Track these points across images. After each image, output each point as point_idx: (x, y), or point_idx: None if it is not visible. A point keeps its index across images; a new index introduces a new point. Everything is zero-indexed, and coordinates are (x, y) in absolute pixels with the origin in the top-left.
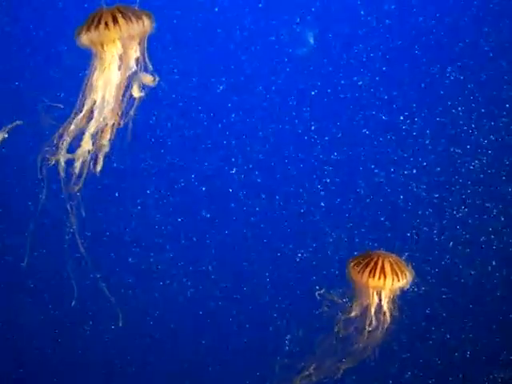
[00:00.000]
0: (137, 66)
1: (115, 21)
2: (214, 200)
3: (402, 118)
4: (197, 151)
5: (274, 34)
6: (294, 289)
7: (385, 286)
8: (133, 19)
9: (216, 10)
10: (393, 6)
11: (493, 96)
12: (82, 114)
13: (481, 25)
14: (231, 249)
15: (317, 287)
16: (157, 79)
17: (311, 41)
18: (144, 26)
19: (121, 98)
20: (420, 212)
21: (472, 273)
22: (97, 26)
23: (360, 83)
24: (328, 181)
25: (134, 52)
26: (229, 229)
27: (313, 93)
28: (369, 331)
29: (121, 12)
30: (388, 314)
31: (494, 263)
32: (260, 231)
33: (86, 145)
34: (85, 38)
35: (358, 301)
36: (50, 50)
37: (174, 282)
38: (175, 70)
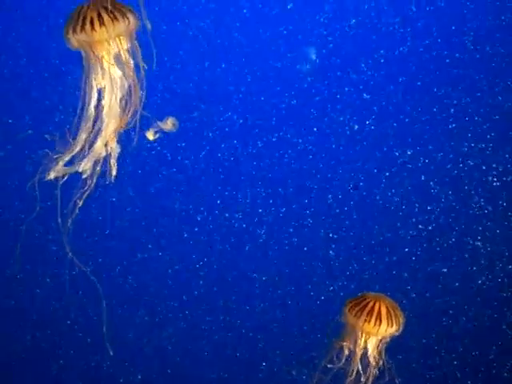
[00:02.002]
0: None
1: (101, 19)
2: (215, 235)
3: (410, 152)
4: (196, 176)
5: (276, 51)
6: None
7: (379, 332)
8: (118, 16)
9: (218, 27)
10: (396, 23)
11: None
12: (87, 122)
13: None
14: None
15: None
16: (177, 124)
17: (313, 57)
18: (131, 22)
19: (124, 96)
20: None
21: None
22: (82, 27)
23: (363, 97)
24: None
25: (126, 48)
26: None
27: (314, 112)
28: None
29: (105, 8)
30: (376, 359)
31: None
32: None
33: (100, 150)
34: (73, 40)
35: (347, 342)
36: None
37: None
38: (175, 86)
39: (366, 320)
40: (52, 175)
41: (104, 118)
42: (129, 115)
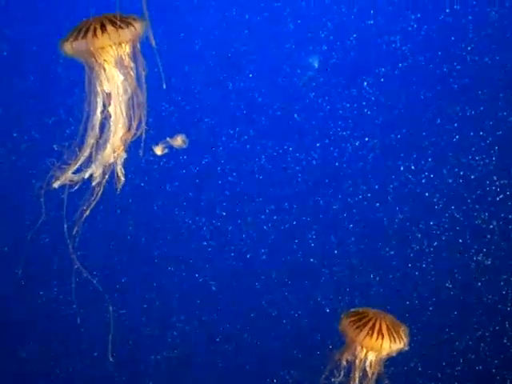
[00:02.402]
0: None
1: (103, 28)
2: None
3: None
4: (201, 191)
5: (279, 67)
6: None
7: (381, 347)
8: (122, 25)
9: (221, 37)
10: (397, 39)
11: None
12: (93, 129)
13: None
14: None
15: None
16: (187, 141)
17: (316, 65)
18: (135, 30)
19: (129, 103)
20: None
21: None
22: (85, 35)
23: (366, 110)
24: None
25: (128, 58)
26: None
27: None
28: None
29: (109, 19)
30: (376, 371)
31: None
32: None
33: (109, 156)
34: (72, 47)
35: (345, 355)
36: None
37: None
38: (179, 99)
39: (367, 334)
40: (59, 183)
41: (111, 125)
42: (135, 124)
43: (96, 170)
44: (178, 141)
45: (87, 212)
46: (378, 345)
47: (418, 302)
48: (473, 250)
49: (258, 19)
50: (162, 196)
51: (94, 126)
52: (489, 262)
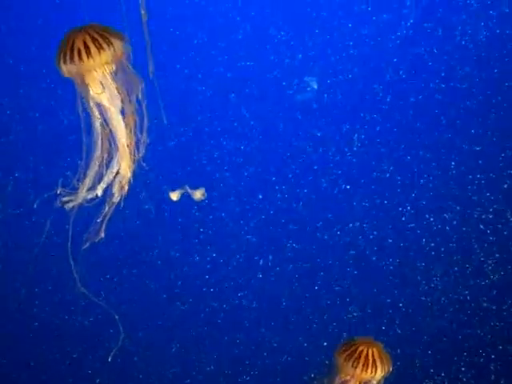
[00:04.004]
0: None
1: (87, 49)
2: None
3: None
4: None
5: (278, 80)
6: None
7: (374, 377)
8: (104, 46)
9: (220, 56)
10: (381, 85)
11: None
12: (97, 151)
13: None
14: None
15: None
16: (205, 195)
17: (315, 86)
18: (116, 49)
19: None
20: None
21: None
22: (72, 58)
23: (365, 130)
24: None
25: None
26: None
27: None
28: None
29: (92, 37)
30: None
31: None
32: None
33: (125, 172)
34: (65, 70)
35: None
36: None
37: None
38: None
39: (363, 368)
40: (72, 204)
41: (117, 141)
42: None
43: (114, 186)
44: (197, 194)
45: (102, 232)
46: (370, 376)
47: (417, 345)
48: (470, 292)
49: (256, 57)
50: (164, 230)
51: (96, 143)
52: (487, 305)
